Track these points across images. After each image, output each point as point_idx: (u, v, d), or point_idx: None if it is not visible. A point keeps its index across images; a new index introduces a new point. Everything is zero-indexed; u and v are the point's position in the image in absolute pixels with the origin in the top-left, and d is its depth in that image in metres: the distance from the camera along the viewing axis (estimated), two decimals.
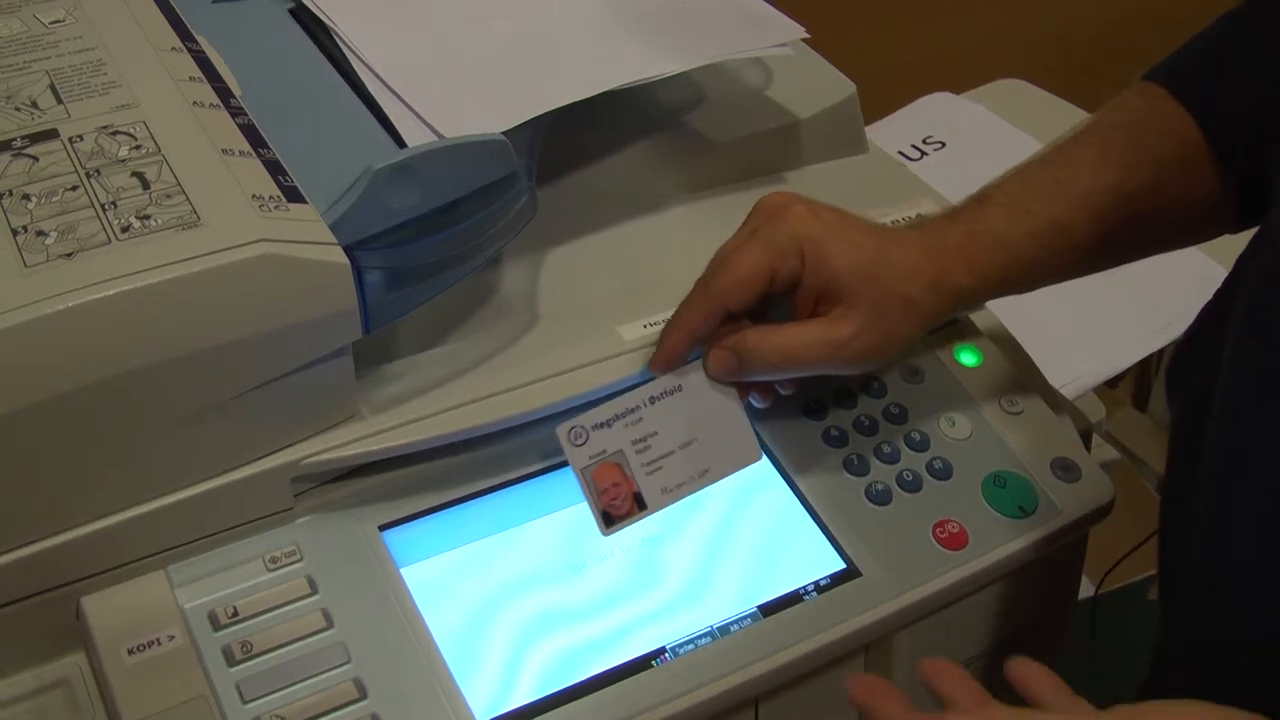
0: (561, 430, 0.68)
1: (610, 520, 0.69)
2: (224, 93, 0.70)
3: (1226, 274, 0.75)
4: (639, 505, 0.69)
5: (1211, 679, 0.64)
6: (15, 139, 0.64)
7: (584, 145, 0.87)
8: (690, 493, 0.71)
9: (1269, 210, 0.70)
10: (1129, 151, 0.75)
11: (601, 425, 0.69)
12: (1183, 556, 0.69)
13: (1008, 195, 0.75)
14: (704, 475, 0.71)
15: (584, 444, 0.69)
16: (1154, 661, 0.79)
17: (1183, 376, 0.76)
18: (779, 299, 0.73)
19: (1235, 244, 0.76)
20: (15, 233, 0.59)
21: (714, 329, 0.71)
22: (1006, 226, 0.74)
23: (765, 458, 0.75)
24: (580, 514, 0.69)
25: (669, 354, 0.71)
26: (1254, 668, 0.62)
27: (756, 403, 0.74)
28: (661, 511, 0.70)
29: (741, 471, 0.73)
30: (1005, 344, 0.85)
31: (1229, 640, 0.64)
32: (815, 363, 0.71)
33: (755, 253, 0.70)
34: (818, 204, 0.72)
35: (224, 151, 0.64)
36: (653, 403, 0.71)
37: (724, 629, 0.69)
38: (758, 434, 0.73)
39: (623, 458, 0.70)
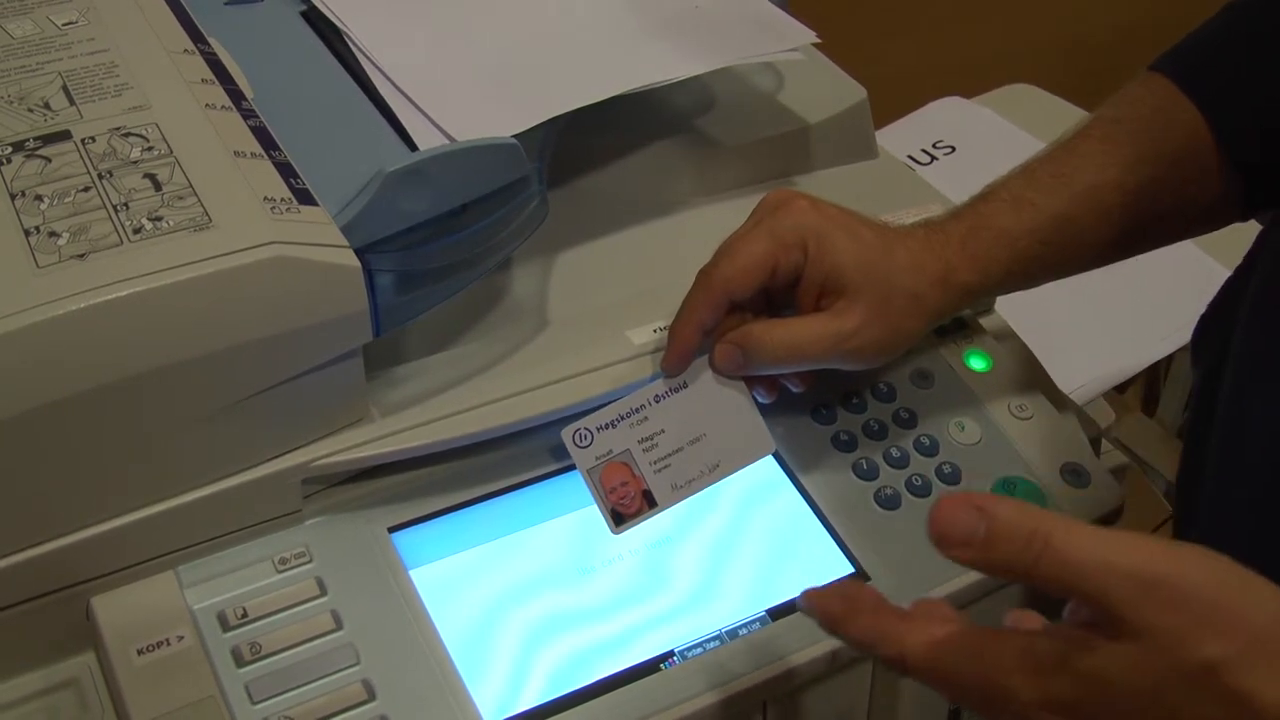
0: (566, 433, 0.69)
1: (620, 519, 0.69)
2: (236, 95, 0.70)
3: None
4: (649, 503, 0.70)
5: None
6: (28, 140, 0.64)
7: (595, 149, 0.87)
8: (703, 488, 0.71)
9: (1276, 201, 0.71)
10: (1133, 145, 0.75)
11: (606, 426, 0.69)
12: (1192, 526, 0.69)
13: (1011, 191, 0.75)
14: (715, 470, 0.71)
15: (589, 445, 0.69)
16: None
17: (1205, 343, 0.76)
18: (785, 300, 0.73)
19: (1245, 250, 0.76)
20: (28, 233, 0.59)
21: (719, 319, 0.71)
22: (1010, 222, 0.74)
23: (775, 462, 0.75)
24: (589, 516, 0.70)
25: (680, 350, 0.71)
26: None
27: (761, 398, 0.74)
28: (672, 509, 0.70)
29: (751, 476, 0.73)
30: (1014, 349, 0.85)
31: None
32: (820, 355, 0.71)
33: (758, 242, 0.70)
34: (822, 200, 0.73)
35: (236, 153, 0.64)
36: (658, 401, 0.71)
37: (732, 632, 0.69)
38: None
39: (629, 457, 0.70)
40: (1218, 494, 0.67)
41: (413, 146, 0.70)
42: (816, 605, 0.56)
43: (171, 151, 0.64)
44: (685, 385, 0.72)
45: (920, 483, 0.75)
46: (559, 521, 0.71)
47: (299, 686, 0.63)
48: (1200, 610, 0.46)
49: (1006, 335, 0.86)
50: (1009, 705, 0.49)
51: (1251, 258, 0.74)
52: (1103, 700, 0.47)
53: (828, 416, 0.78)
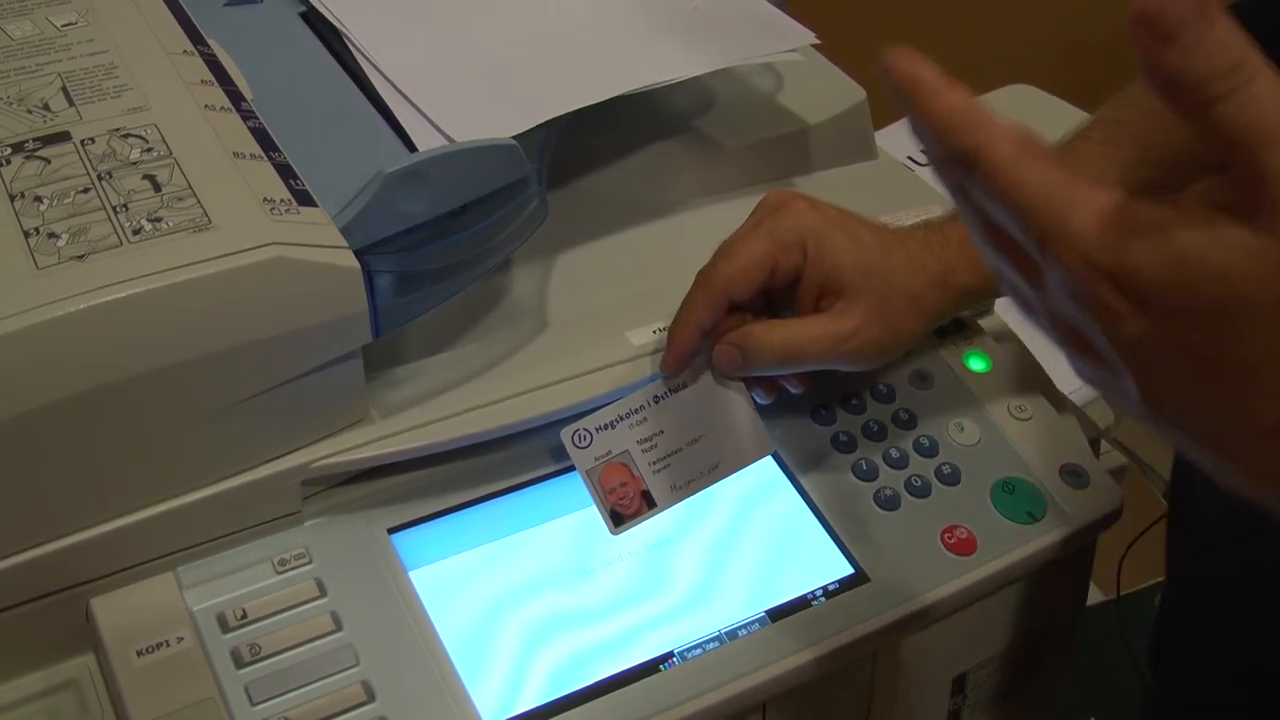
0: (565, 433, 0.69)
1: (619, 519, 0.69)
2: (235, 96, 0.70)
3: None
4: (648, 503, 0.70)
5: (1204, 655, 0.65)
6: (27, 141, 0.64)
7: (594, 150, 0.87)
8: (702, 488, 0.71)
9: None
10: (1134, 146, 0.75)
11: (605, 426, 0.69)
12: (1188, 516, 0.69)
13: None
14: (715, 471, 0.71)
15: (588, 446, 0.69)
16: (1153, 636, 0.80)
17: None
18: (784, 301, 0.73)
19: None
20: (27, 234, 0.59)
21: (719, 320, 0.71)
22: None
23: (774, 462, 0.75)
24: (588, 517, 0.70)
25: (679, 351, 0.71)
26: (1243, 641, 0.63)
27: (760, 399, 0.74)
28: (672, 510, 0.70)
29: (750, 476, 0.73)
30: (1014, 350, 0.84)
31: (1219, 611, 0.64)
32: (819, 356, 0.71)
33: (757, 242, 0.70)
34: (821, 201, 0.73)
35: (235, 154, 0.64)
36: (657, 402, 0.71)
37: (732, 633, 0.69)
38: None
39: (629, 458, 0.70)
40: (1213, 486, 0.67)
41: (412, 147, 0.70)
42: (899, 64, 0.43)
43: (171, 153, 0.64)
44: (684, 386, 0.72)
45: (919, 483, 0.75)
46: (558, 523, 0.71)
47: (298, 688, 0.62)
48: None
49: (1006, 336, 0.86)
50: (1063, 257, 0.39)
51: None
52: (1188, 295, 0.37)
53: (827, 417, 0.78)
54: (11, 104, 0.66)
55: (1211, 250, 0.36)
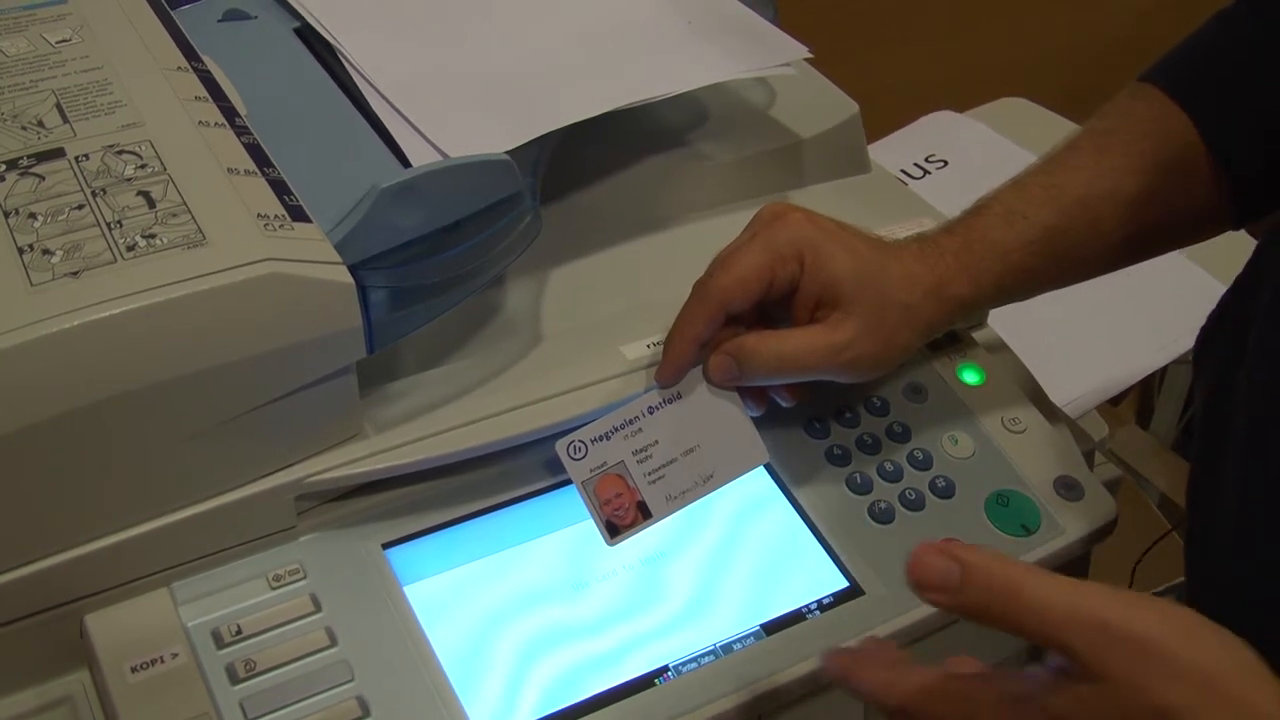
0: (560, 445, 0.69)
1: (615, 530, 0.69)
2: (229, 112, 0.70)
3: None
4: (644, 514, 0.69)
5: None
6: (22, 158, 0.64)
7: (588, 164, 0.87)
8: (697, 498, 0.71)
9: (1271, 209, 0.70)
10: (1125, 155, 0.75)
11: (600, 438, 0.69)
12: (1208, 554, 0.69)
13: (1004, 204, 0.75)
14: (710, 480, 0.71)
15: (583, 458, 0.69)
16: None
17: (1209, 355, 0.75)
18: (778, 314, 0.73)
19: (1238, 261, 0.76)
20: (21, 251, 0.59)
21: (715, 331, 0.71)
22: (1003, 235, 0.74)
23: (768, 476, 0.75)
24: (583, 532, 0.70)
25: (675, 363, 0.71)
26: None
27: (750, 410, 0.74)
28: (666, 523, 0.70)
29: (744, 489, 0.73)
30: (1008, 362, 0.85)
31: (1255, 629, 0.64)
32: (814, 367, 0.71)
33: (754, 254, 0.70)
34: (816, 213, 0.73)
35: (229, 170, 0.64)
36: (652, 413, 0.71)
37: (727, 647, 0.69)
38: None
39: (624, 469, 0.70)
40: (1240, 519, 0.66)
41: (406, 163, 0.70)
42: (830, 661, 0.59)
43: (165, 169, 0.64)
44: (679, 396, 0.72)
45: (914, 496, 0.75)
46: (553, 537, 0.71)
47: (293, 703, 0.62)
48: (1159, 660, 0.49)
49: (1000, 348, 0.86)
50: None
51: (1253, 269, 0.73)
52: None
53: (821, 430, 0.78)
54: (5, 120, 0.66)
55: (1068, 707, 0.51)
